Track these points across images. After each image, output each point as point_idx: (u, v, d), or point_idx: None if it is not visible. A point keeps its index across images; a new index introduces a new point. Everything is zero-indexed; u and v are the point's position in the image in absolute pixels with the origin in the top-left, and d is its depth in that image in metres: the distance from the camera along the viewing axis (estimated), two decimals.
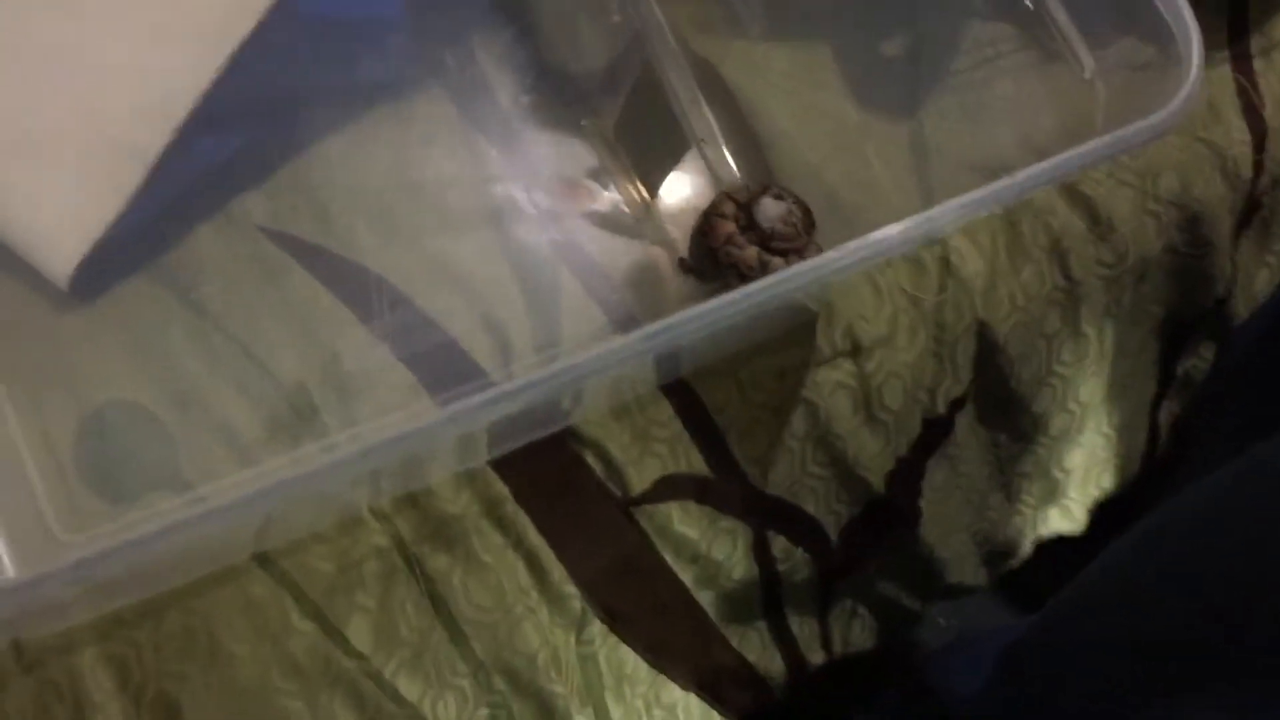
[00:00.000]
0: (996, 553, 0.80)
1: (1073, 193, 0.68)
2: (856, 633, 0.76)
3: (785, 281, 0.50)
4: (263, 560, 0.56)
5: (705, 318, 0.49)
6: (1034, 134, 0.67)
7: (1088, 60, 0.66)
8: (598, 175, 0.65)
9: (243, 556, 0.56)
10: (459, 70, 0.65)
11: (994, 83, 0.69)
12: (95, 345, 0.58)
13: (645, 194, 0.65)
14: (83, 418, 0.57)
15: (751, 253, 0.60)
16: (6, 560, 0.52)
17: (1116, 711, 0.57)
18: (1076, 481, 0.78)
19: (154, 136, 0.59)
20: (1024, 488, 0.77)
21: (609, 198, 0.65)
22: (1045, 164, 0.54)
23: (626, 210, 0.65)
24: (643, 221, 0.65)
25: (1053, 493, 0.78)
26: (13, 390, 0.56)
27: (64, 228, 0.57)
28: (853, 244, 0.51)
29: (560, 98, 0.66)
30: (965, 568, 0.78)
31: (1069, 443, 0.75)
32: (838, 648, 0.75)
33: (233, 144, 0.61)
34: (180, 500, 0.56)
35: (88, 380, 0.57)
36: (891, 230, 0.52)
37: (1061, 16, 0.68)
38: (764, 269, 0.60)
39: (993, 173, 0.65)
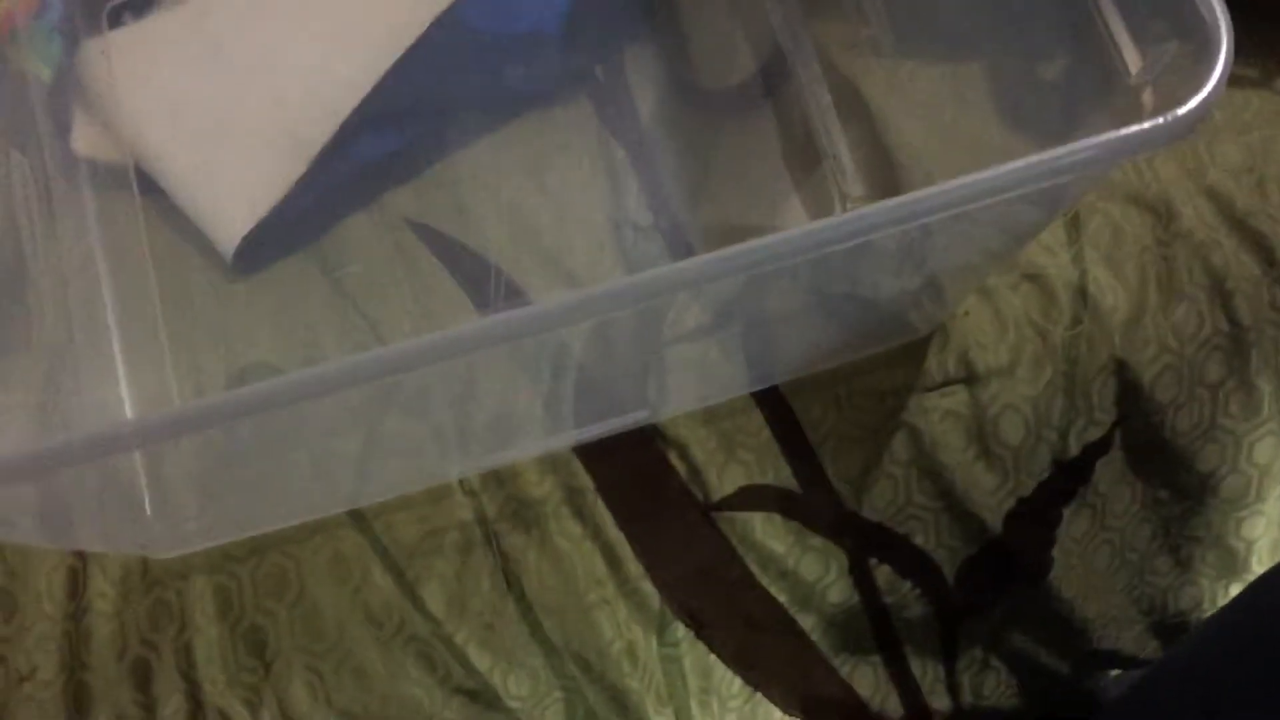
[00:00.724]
0: (1169, 624, 0.73)
1: (1243, 227, 0.62)
2: (991, 686, 0.71)
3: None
4: (355, 516, 0.60)
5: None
6: (1205, 162, 0.62)
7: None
8: (724, 187, 0.66)
9: (337, 510, 0.60)
10: (607, 82, 0.68)
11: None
12: (248, 313, 0.65)
13: (769, 209, 0.66)
14: (230, 376, 0.64)
15: None
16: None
17: None
18: (1262, 553, 0.70)
19: (320, 131, 0.66)
20: (1197, 554, 0.70)
21: (731, 210, 0.66)
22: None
23: (751, 222, 0.66)
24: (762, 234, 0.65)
25: (1233, 565, 0.70)
26: (175, 348, 0.64)
27: (235, 206, 0.65)
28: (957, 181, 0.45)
29: (701, 111, 0.68)
30: (1122, 633, 0.71)
31: (1248, 509, 0.67)
32: (967, 698, 0.71)
33: (389, 142, 0.67)
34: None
35: (238, 343, 0.64)
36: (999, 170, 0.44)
37: None
38: None
39: (1149, 205, 0.61)
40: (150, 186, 0.66)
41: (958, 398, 0.61)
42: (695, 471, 0.61)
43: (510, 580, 0.60)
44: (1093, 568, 0.68)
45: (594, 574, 0.61)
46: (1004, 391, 0.61)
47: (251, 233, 0.64)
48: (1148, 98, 0.46)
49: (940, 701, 0.70)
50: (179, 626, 0.59)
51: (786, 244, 0.44)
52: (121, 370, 0.63)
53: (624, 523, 0.61)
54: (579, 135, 0.67)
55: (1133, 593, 0.71)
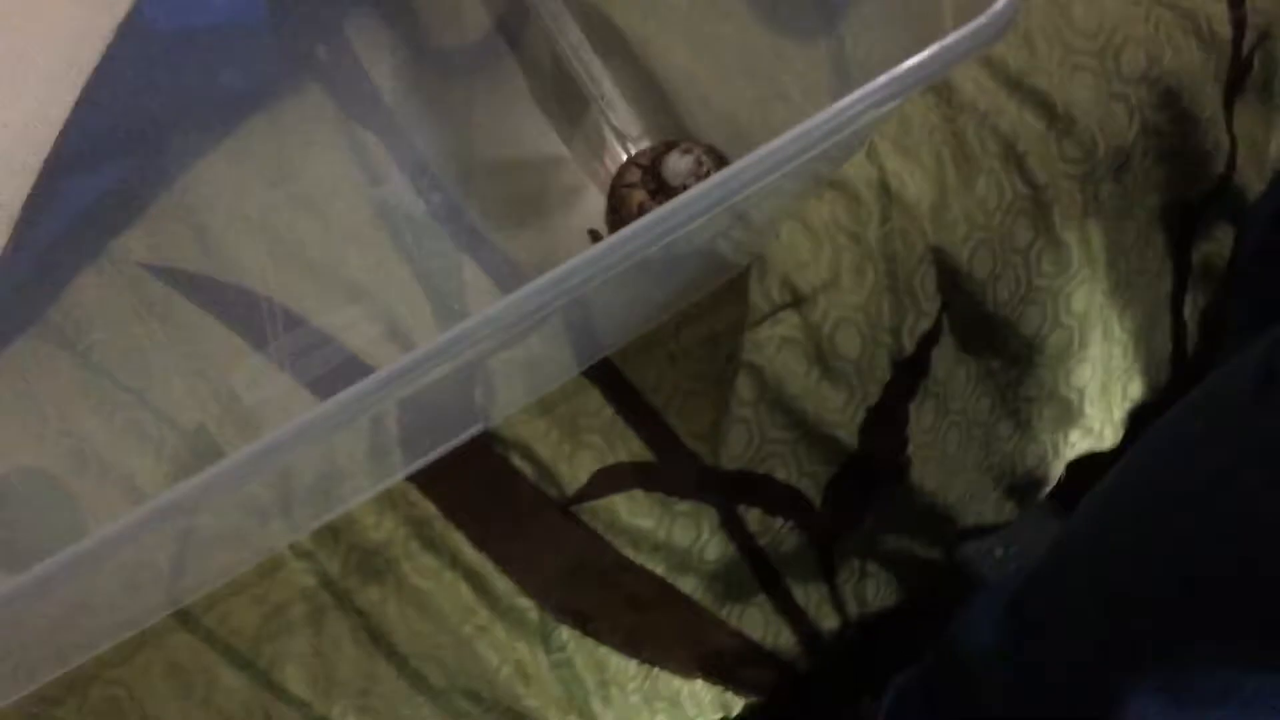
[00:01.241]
0: (1019, 484, 0.74)
1: (1020, 88, 0.61)
2: (871, 592, 0.70)
3: (689, 205, 0.42)
4: (182, 617, 0.53)
5: (615, 253, 0.41)
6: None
7: None
8: (492, 150, 0.60)
9: (159, 616, 0.53)
10: (333, 63, 0.61)
11: None
12: None
13: (549, 163, 0.61)
14: None
15: None
16: None
17: (1103, 676, 0.51)
18: (1093, 397, 0.71)
19: (13, 190, 0.56)
20: (1034, 413, 0.70)
21: (506, 173, 0.60)
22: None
23: (522, 182, 0.60)
24: (549, 195, 0.60)
25: (1067, 413, 0.71)
26: None
27: None
28: (766, 148, 0.43)
29: (446, 76, 0.61)
30: (984, 506, 0.72)
31: (1074, 358, 0.68)
32: (853, 609, 0.70)
33: (100, 182, 0.58)
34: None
35: None
36: (807, 126, 0.43)
37: None
38: None
39: (932, 86, 0.59)
40: None
41: (789, 323, 0.59)
42: (543, 469, 0.56)
43: (375, 637, 0.54)
44: (946, 454, 0.67)
45: (463, 604, 0.56)
46: (833, 306, 0.59)
47: None
48: None
49: (829, 621, 0.69)
50: None
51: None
52: None
53: (481, 542, 0.56)
54: (318, 127, 0.60)
55: (982, 465, 0.71)
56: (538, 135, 0.61)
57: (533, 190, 0.60)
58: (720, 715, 0.68)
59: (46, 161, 0.56)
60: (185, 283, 0.57)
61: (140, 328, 0.56)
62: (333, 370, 0.56)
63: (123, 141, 0.58)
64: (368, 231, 0.58)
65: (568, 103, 0.61)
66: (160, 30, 0.59)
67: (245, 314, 0.57)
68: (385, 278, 0.58)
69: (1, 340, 0.56)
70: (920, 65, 0.41)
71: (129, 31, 0.57)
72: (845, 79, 0.60)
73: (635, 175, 0.57)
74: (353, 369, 0.56)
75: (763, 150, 0.41)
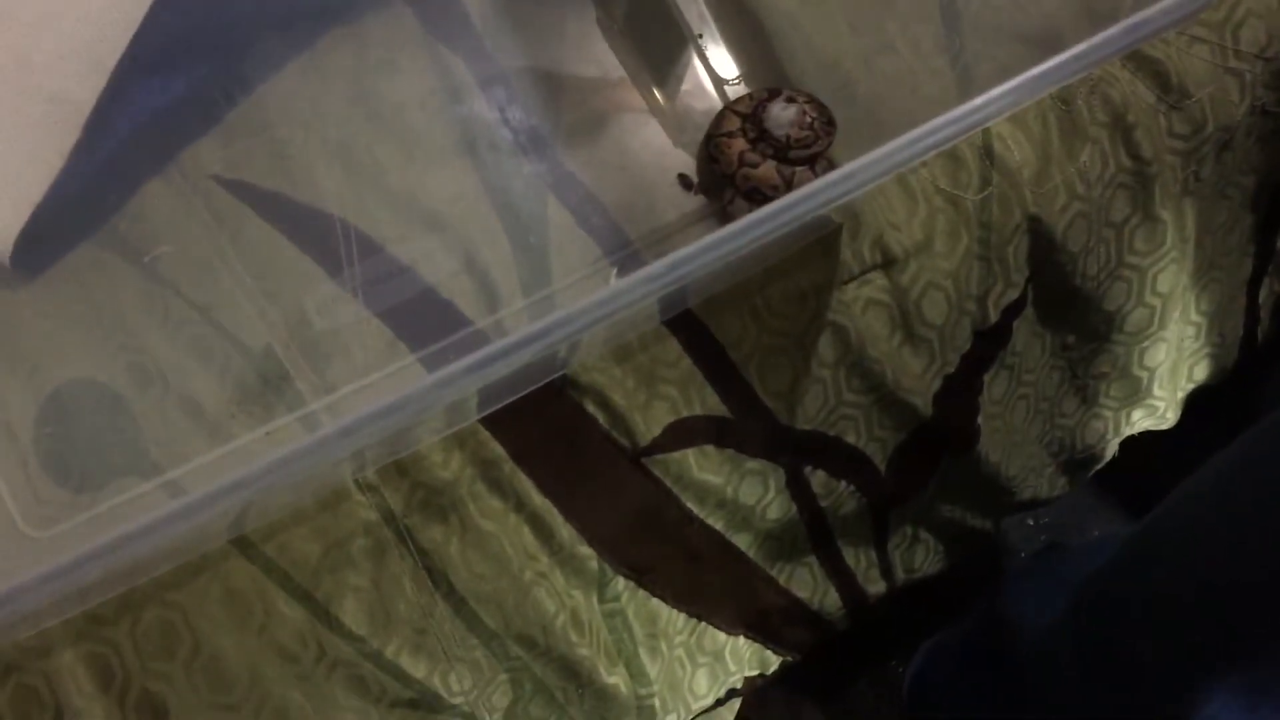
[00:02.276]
0: (1076, 460, 0.72)
1: (1136, 56, 0.59)
2: (920, 558, 0.70)
3: (807, 200, 0.42)
4: (242, 545, 0.52)
5: (720, 247, 0.41)
6: None
7: None
8: (584, 84, 0.58)
9: (220, 542, 0.51)
10: None
11: None
12: (47, 322, 0.53)
13: (639, 101, 0.58)
14: (40, 402, 0.52)
15: (769, 169, 0.52)
16: None
17: (1184, 667, 0.50)
18: (1163, 378, 0.69)
19: (86, 84, 0.53)
20: (1102, 390, 0.69)
21: (597, 108, 0.58)
22: (1114, 29, 0.44)
23: (614, 121, 0.58)
24: (630, 130, 0.58)
25: (1135, 392, 0.69)
26: None
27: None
28: (882, 150, 0.42)
29: (539, 3, 0.59)
30: (1040, 481, 0.71)
31: (1150, 338, 0.67)
32: (900, 575, 0.69)
33: (175, 87, 0.55)
34: (149, 486, 0.52)
35: (42, 360, 0.53)
36: (929, 128, 0.42)
37: None
38: (788, 184, 0.52)
39: (1041, 42, 0.57)
40: None
41: (877, 284, 0.57)
42: (617, 418, 0.54)
43: (435, 577, 0.53)
44: (1012, 426, 0.66)
45: (525, 549, 0.54)
46: (923, 270, 0.57)
47: (27, 225, 0.52)
48: None
49: (875, 585, 0.68)
50: (54, 713, 0.50)
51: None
52: None
53: (548, 488, 0.54)
54: (403, 47, 0.57)
55: (1044, 439, 0.70)
56: (628, 71, 0.59)
57: (618, 128, 0.58)
58: (757, 671, 0.67)
59: (121, 60, 0.53)
60: (258, 199, 0.55)
61: (209, 243, 0.54)
62: (406, 302, 0.54)
63: (200, 46, 0.56)
64: (448, 159, 0.56)
65: (661, 39, 0.59)
66: None
67: (319, 236, 0.55)
68: (465, 209, 0.56)
69: (65, 245, 0.54)
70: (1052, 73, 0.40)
71: None
72: (954, 30, 0.57)
73: (734, 123, 0.54)
74: (428, 302, 0.55)
75: (906, 137, 0.40)
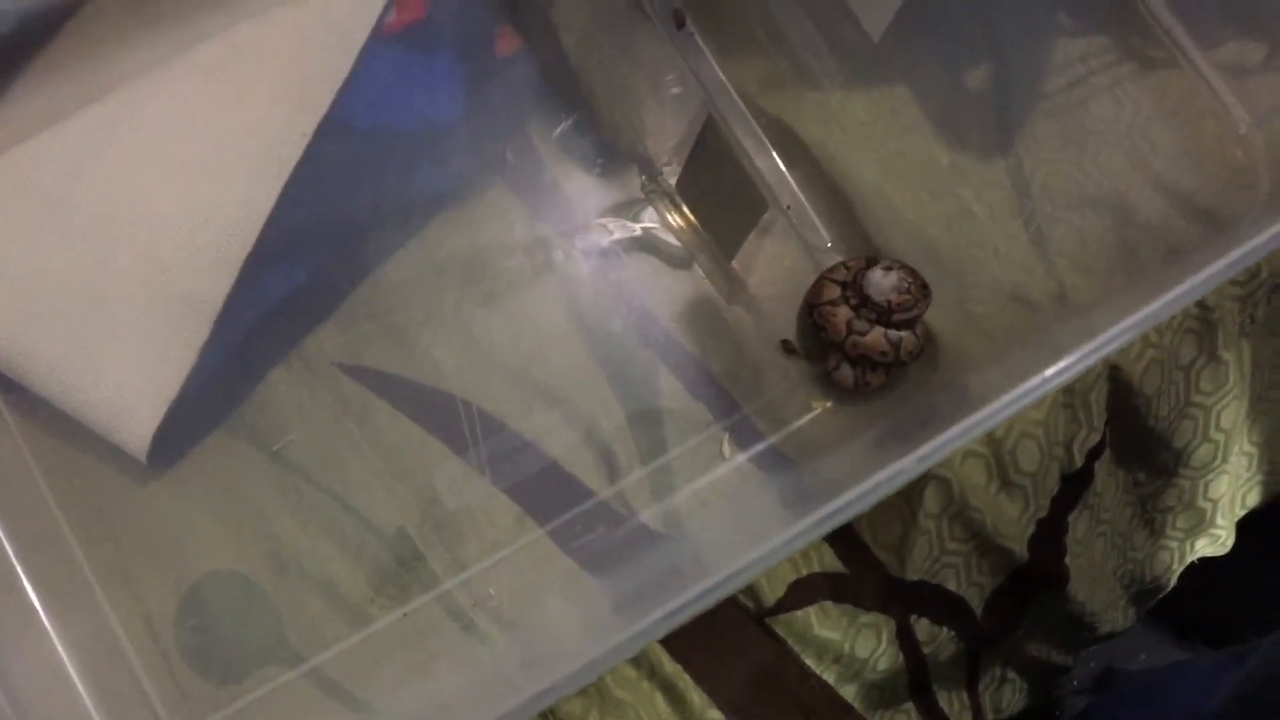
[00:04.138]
0: (1145, 590, 0.74)
1: (1191, 206, 0.63)
2: (1007, 698, 0.71)
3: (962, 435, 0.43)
4: None
5: (888, 486, 0.42)
6: (1146, 153, 0.62)
7: (1199, 61, 0.61)
8: (681, 258, 0.61)
9: None
10: (520, 165, 0.61)
11: (1091, 103, 0.64)
12: (182, 514, 0.54)
13: (734, 271, 0.61)
14: (180, 596, 0.53)
15: (878, 335, 0.55)
16: None
17: None
18: (1224, 508, 0.72)
19: (216, 283, 0.55)
20: (1169, 522, 0.72)
21: (695, 280, 0.60)
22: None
23: (715, 291, 0.61)
24: (733, 300, 0.60)
25: (1200, 522, 0.72)
26: (102, 573, 0.53)
27: (136, 396, 0.54)
28: (1014, 393, 0.43)
29: (634, 184, 0.62)
30: (1116, 614, 0.73)
31: (1214, 471, 0.70)
32: (989, 716, 0.70)
33: (298, 276, 0.58)
34: (291, 675, 0.52)
35: (180, 554, 0.54)
36: (1059, 366, 0.44)
37: (1161, 16, 0.62)
38: (895, 349, 0.55)
39: (1108, 205, 0.61)
40: (10, 387, 0.54)
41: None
42: None
43: None
44: (1093, 562, 0.68)
45: (659, 716, 0.55)
46: (1016, 420, 0.60)
47: (163, 423, 0.54)
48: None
49: None
50: None
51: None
52: (47, 623, 0.51)
53: (679, 653, 0.55)
54: (509, 227, 0.60)
55: (1118, 572, 0.72)
56: (721, 245, 0.62)
57: (717, 299, 0.61)
58: None
59: (248, 256, 0.56)
60: (380, 382, 0.57)
61: (337, 428, 0.56)
62: (531, 477, 0.56)
63: (320, 237, 0.58)
64: (561, 334, 0.58)
65: (751, 212, 0.62)
66: (360, 129, 0.59)
67: (443, 416, 0.56)
68: (580, 382, 0.58)
69: (195, 437, 0.55)
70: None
71: (330, 130, 0.57)
72: (1025, 195, 0.61)
73: (834, 291, 0.57)
74: (551, 475, 0.56)
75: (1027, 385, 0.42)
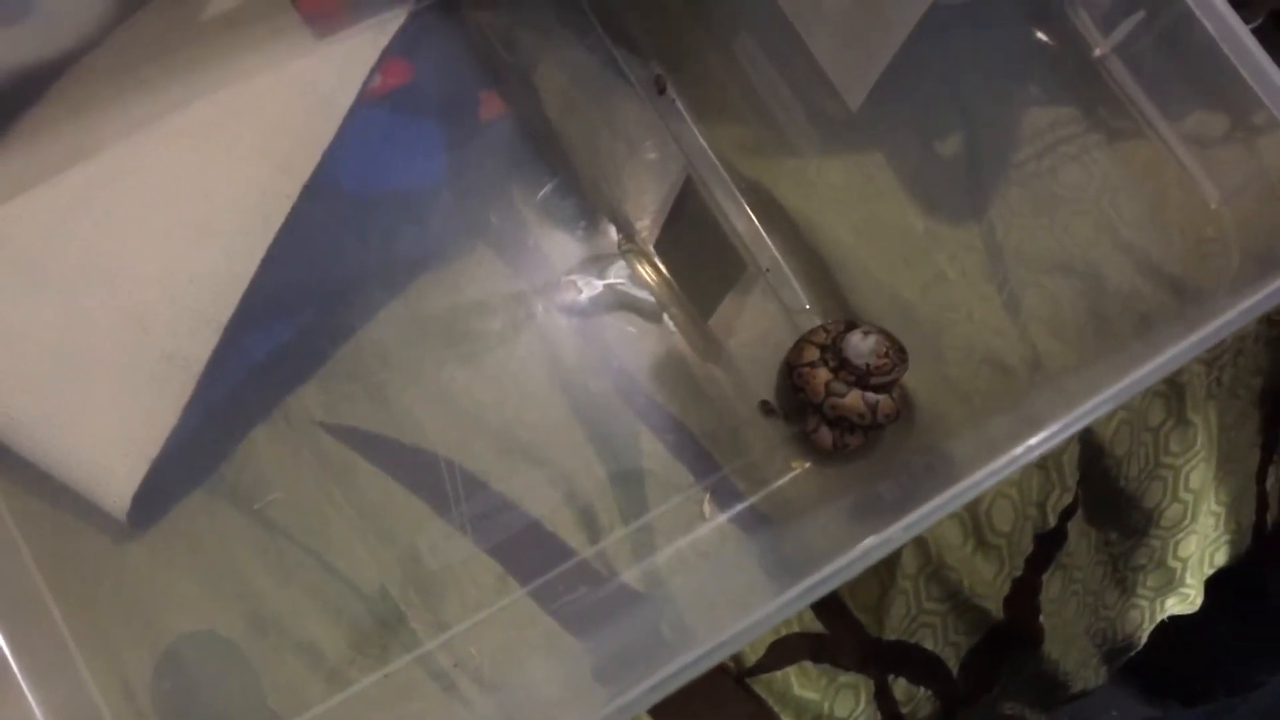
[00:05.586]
0: (1116, 649, 0.75)
1: (1160, 274, 0.64)
2: None
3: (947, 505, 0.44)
4: None
5: (870, 556, 0.43)
6: (1114, 220, 0.64)
7: (1165, 132, 0.63)
8: (660, 318, 0.62)
9: None
10: (503, 227, 0.62)
11: (1061, 170, 0.65)
12: (162, 574, 0.54)
13: (711, 330, 0.62)
14: (158, 656, 0.53)
15: (856, 397, 0.56)
16: None
17: None
18: (1193, 567, 0.73)
19: (199, 343, 0.56)
20: (1140, 581, 0.73)
21: (674, 339, 0.61)
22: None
23: (693, 353, 0.61)
24: (710, 359, 0.61)
25: (1169, 581, 0.73)
26: (80, 635, 0.52)
27: (116, 455, 0.54)
28: (995, 464, 0.44)
29: (614, 245, 0.63)
30: (1088, 672, 0.73)
31: (1184, 530, 0.71)
32: None
33: (281, 336, 0.58)
34: None
35: (158, 613, 0.53)
36: (1039, 437, 0.44)
37: (1127, 87, 0.64)
38: (873, 412, 0.56)
39: (1079, 272, 0.62)
40: None
41: None
42: None
43: None
44: (1065, 621, 0.69)
45: None
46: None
47: (144, 482, 0.54)
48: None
49: None
50: None
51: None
52: (24, 685, 0.51)
53: (660, 713, 0.55)
54: (490, 288, 0.61)
55: (1090, 630, 0.73)
56: (698, 306, 0.63)
57: (695, 360, 0.61)
58: None
59: (232, 316, 0.56)
60: (362, 441, 0.57)
61: (318, 487, 0.56)
62: (513, 536, 0.56)
63: (303, 297, 0.58)
64: (542, 394, 0.59)
65: (729, 275, 0.63)
66: (345, 191, 0.59)
67: (425, 475, 0.57)
68: (562, 441, 0.58)
69: (175, 495, 0.55)
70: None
71: (315, 192, 0.58)
72: (998, 260, 0.62)
73: (813, 353, 0.58)
74: (533, 534, 0.57)
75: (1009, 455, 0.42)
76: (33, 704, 0.50)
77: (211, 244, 0.56)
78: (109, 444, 0.54)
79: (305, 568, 0.55)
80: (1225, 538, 0.76)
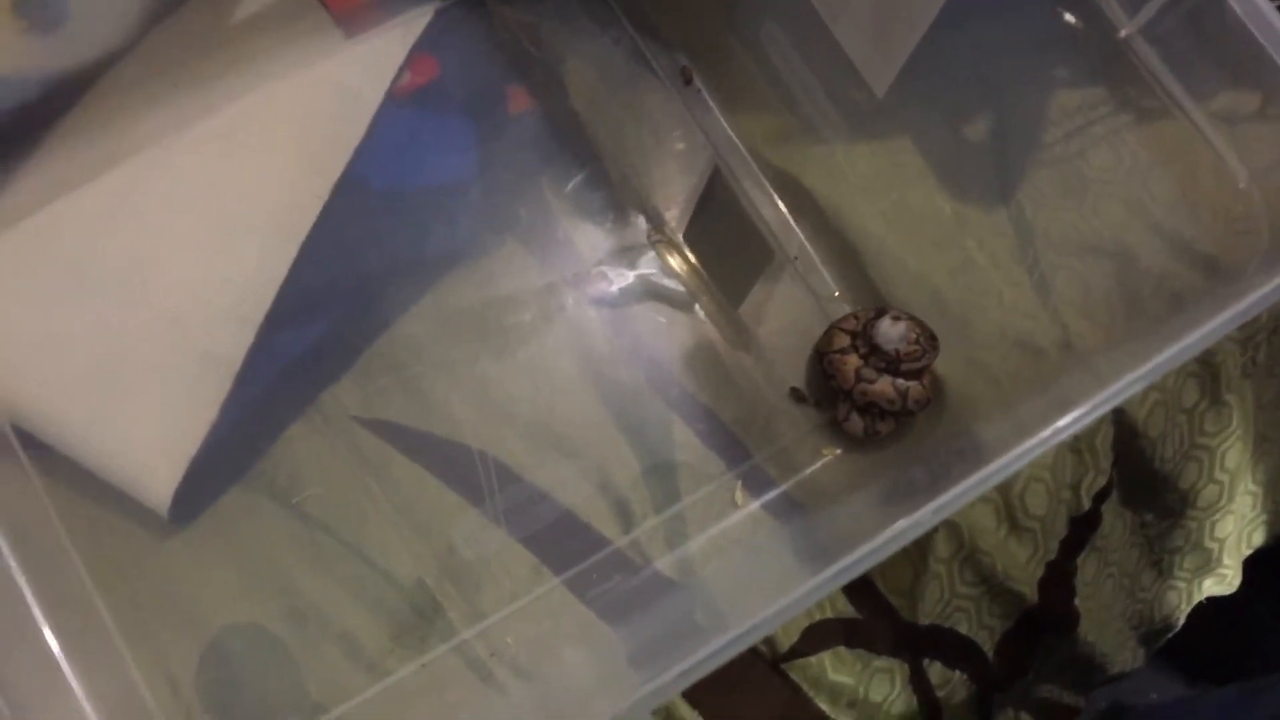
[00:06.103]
0: (1154, 631, 0.75)
1: (1191, 253, 0.64)
2: None
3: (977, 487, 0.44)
4: None
5: (901, 538, 0.43)
6: (1146, 201, 0.63)
7: (1193, 112, 0.62)
8: (691, 307, 0.62)
9: None
10: (533, 219, 0.62)
11: (1090, 152, 0.65)
12: (203, 568, 0.55)
13: (740, 318, 0.62)
14: (201, 650, 0.54)
15: (886, 384, 0.56)
16: None
17: None
18: (1230, 548, 0.73)
19: (236, 341, 0.57)
20: (1177, 562, 0.72)
21: (704, 328, 0.62)
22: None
23: (723, 341, 0.62)
24: (740, 347, 0.61)
25: (1207, 562, 0.73)
26: (126, 631, 0.53)
27: (157, 453, 0.55)
28: (1025, 445, 0.43)
29: (643, 236, 0.63)
30: (1125, 655, 0.73)
31: (1220, 511, 0.70)
32: None
33: (315, 333, 0.59)
34: None
35: (200, 608, 0.54)
36: (1070, 418, 0.44)
37: (1154, 67, 0.64)
38: (904, 399, 0.56)
39: (1110, 253, 0.62)
40: (34, 444, 0.55)
41: None
42: None
43: None
44: (1101, 604, 0.69)
45: None
46: (1025, 465, 0.61)
47: (184, 478, 0.55)
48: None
49: None
50: None
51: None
52: (71, 679, 0.52)
53: (694, 698, 0.56)
54: (521, 282, 0.61)
55: (1126, 613, 0.72)
56: (727, 294, 0.63)
57: (726, 348, 0.62)
58: None
59: (267, 314, 0.57)
60: (398, 435, 0.58)
61: (355, 481, 0.57)
62: (547, 527, 0.57)
63: (336, 295, 0.59)
64: (574, 386, 0.59)
65: (759, 263, 0.63)
66: (375, 188, 0.60)
67: (460, 468, 0.57)
68: (594, 433, 0.59)
69: (215, 491, 0.56)
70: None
71: (346, 190, 0.58)
72: (1028, 243, 0.62)
73: (844, 340, 0.58)
74: (567, 525, 0.57)
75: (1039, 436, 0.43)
76: (82, 700, 0.51)
77: (245, 244, 0.57)
78: (150, 442, 0.55)
79: (343, 560, 0.55)
80: (1262, 517, 0.76)
